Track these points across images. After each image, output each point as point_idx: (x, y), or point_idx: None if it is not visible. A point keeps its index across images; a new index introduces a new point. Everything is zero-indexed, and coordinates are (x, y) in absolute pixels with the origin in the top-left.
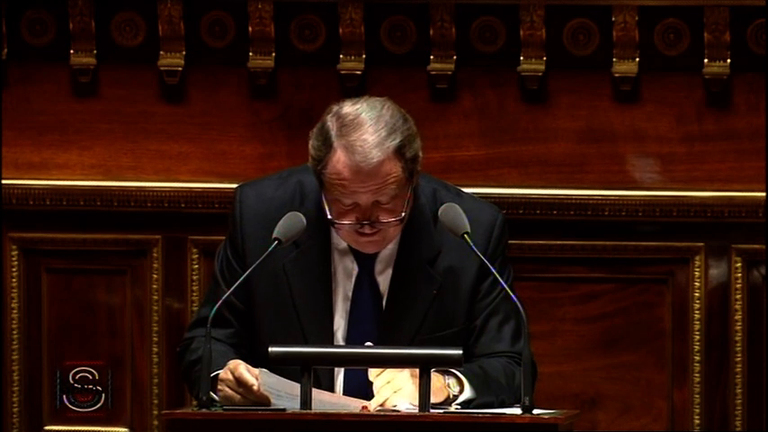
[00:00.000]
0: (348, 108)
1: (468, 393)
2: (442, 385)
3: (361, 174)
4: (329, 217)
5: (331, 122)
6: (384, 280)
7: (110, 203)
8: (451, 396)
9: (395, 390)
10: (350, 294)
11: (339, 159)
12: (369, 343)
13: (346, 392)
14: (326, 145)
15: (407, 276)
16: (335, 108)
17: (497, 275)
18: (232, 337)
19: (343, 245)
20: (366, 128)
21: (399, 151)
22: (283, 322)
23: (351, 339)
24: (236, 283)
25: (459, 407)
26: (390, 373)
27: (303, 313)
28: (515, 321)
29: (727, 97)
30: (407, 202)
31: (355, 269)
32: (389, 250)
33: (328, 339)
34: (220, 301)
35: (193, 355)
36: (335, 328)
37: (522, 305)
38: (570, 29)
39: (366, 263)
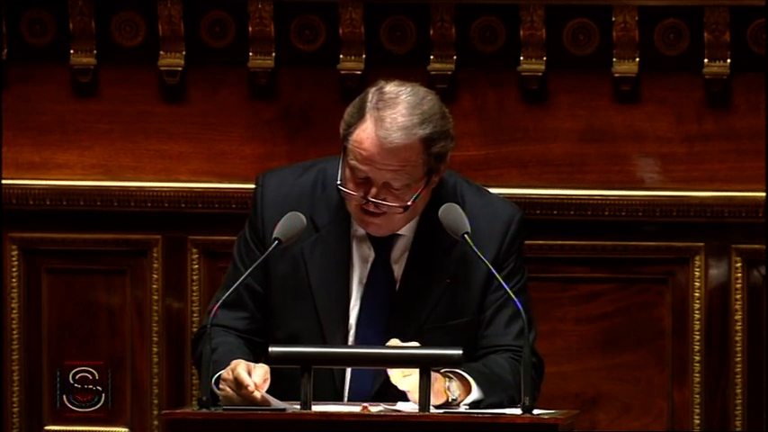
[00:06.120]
0: (392, 87)
1: (475, 394)
2: (441, 389)
3: (380, 150)
4: (339, 181)
5: (372, 95)
6: (399, 267)
7: (110, 203)
8: (450, 400)
9: (404, 375)
10: (364, 280)
11: (365, 129)
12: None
13: (353, 394)
14: (360, 113)
15: (422, 263)
16: (381, 83)
17: (500, 279)
18: (248, 321)
19: (362, 232)
20: (401, 109)
21: (425, 143)
22: (299, 306)
23: (362, 324)
24: (234, 287)
25: (467, 407)
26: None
27: (319, 297)
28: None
29: (727, 97)
30: (419, 195)
31: (372, 255)
32: (406, 238)
33: (342, 324)
34: (221, 301)
35: (206, 347)
36: (351, 316)
37: (526, 306)
38: (570, 29)
39: (382, 249)
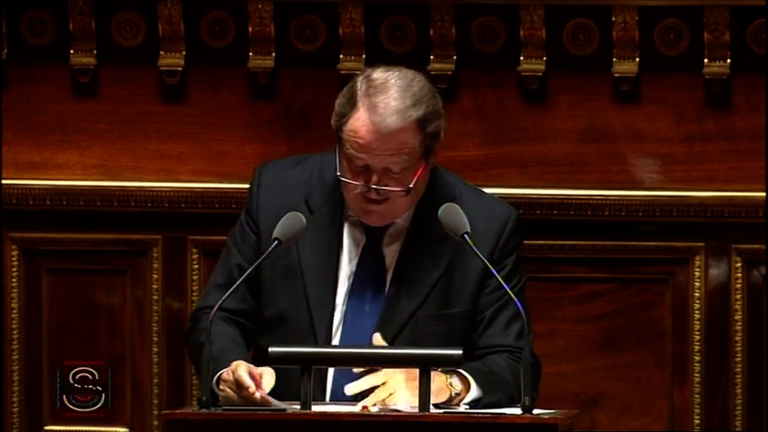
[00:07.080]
0: (379, 73)
1: (474, 393)
2: (444, 385)
3: (377, 136)
4: (338, 173)
5: (360, 83)
6: (391, 253)
7: (110, 203)
8: (453, 395)
9: (389, 392)
10: (354, 263)
11: (359, 118)
12: (376, 334)
13: (336, 391)
14: (351, 102)
15: (415, 253)
16: (368, 71)
17: (499, 278)
18: (239, 301)
19: (355, 216)
20: (392, 93)
21: (420, 123)
22: (289, 285)
23: (350, 306)
24: (238, 282)
25: (467, 406)
26: (386, 374)
27: (308, 278)
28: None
29: (727, 97)
30: (418, 177)
31: (363, 240)
32: (400, 225)
33: (330, 307)
34: (223, 299)
35: (202, 336)
36: (338, 297)
37: (525, 306)
38: (570, 29)
39: (374, 235)
